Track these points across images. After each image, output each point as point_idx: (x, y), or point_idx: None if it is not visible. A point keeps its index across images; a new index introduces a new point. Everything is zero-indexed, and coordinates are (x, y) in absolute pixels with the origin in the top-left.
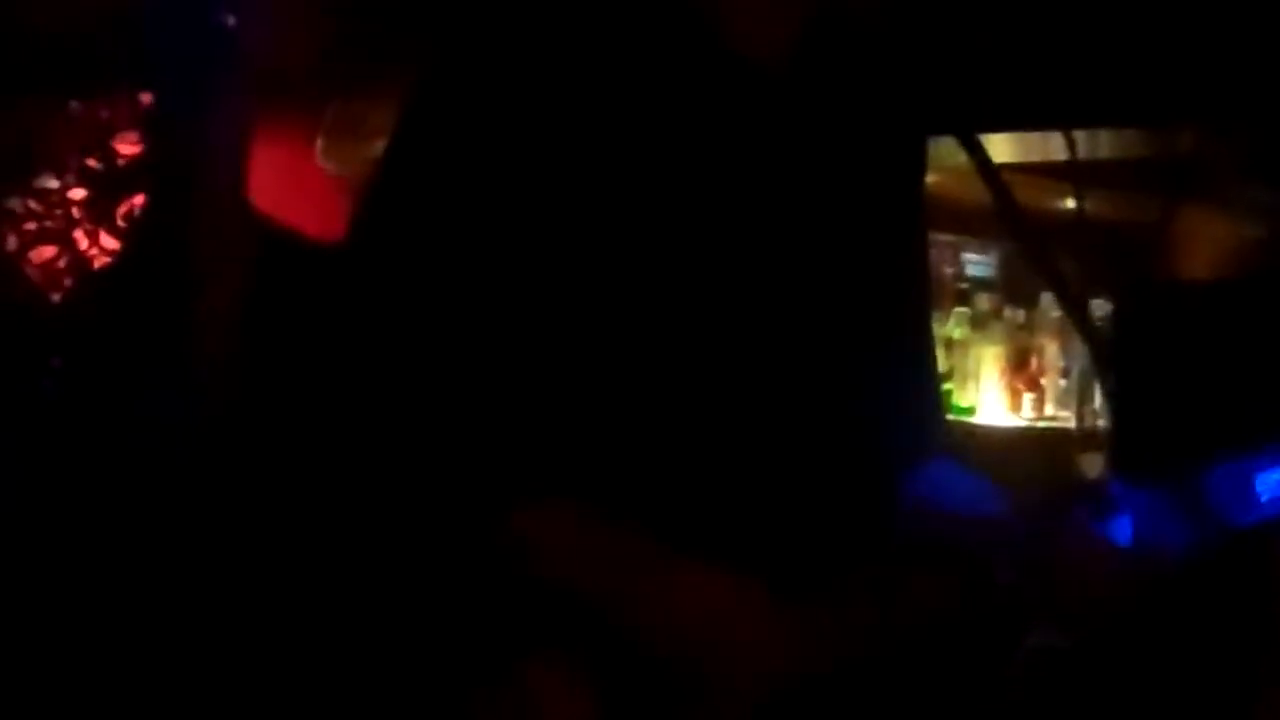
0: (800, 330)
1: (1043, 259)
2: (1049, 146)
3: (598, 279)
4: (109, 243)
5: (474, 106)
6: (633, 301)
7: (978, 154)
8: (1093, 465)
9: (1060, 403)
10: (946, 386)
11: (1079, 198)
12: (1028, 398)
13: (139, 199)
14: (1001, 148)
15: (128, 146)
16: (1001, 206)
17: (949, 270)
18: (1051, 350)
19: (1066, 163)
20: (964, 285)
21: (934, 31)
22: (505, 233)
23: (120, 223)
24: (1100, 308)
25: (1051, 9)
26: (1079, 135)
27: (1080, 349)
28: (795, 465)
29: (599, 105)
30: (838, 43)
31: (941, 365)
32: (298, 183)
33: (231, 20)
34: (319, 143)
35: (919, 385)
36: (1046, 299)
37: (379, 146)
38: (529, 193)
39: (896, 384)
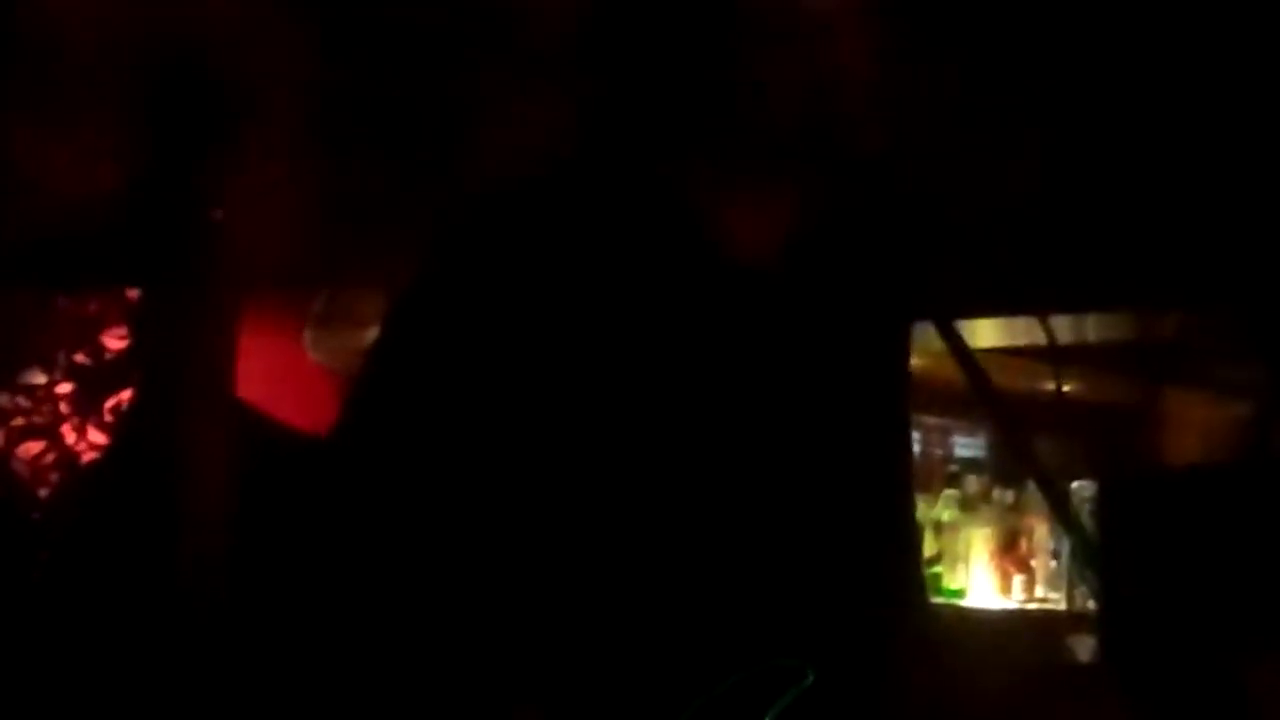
0: (782, 517)
1: (1022, 447)
2: (1036, 330)
3: (583, 476)
4: (96, 437)
5: (465, 306)
6: (619, 494)
7: (954, 340)
8: (1084, 647)
9: (1050, 584)
10: (936, 569)
11: (1059, 382)
12: (1018, 579)
13: (126, 393)
14: (990, 331)
15: (115, 341)
16: (979, 393)
17: (938, 453)
18: (1041, 531)
19: (1050, 347)
20: (953, 468)
21: (914, 221)
22: (493, 431)
23: (108, 417)
24: (1088, 488)
25: (1033, 197)
26: (1065, 319)
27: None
28: (778, 652)
29: (588, 306)
30: (824, 238)
31: (931, 548)
32: (286, 374)
33: (219, 214)
34: (306, 334)
35: (902, 568)
36: None
37: (366, 337)
38: (518, 392)
39: (879, 568)
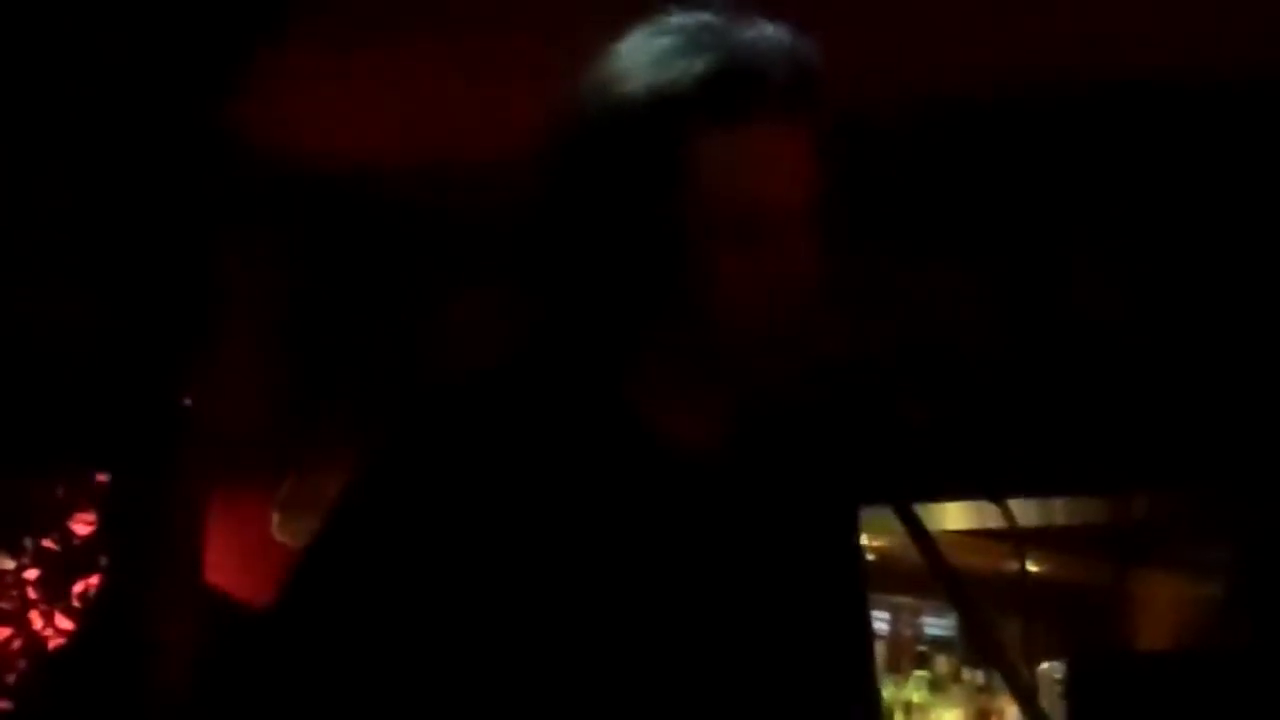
0: (740, 710)
1: (984, 632)
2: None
3: (524, 669)
4: (63, 623)
5: (411, 493)
6: (562, 692)
7: (912, 524)
8: None
9: None
10: None
11: (1022, 564)
12: None
13: (94, 578)
14: (960, 514)
15: (83, 526)
16: (940, 576)
17: (908, 633)
18: (1011, 713)
19: (1011, 530)
20: (923, 648)
21: (868, 408)
22: (428, 618)
23: (75, 603)
24: (1058, 669)
25: (992, 382)
26: (1033, 501)
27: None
28: None
29: (532, 501)
30: (768, 428)
31: None
32: (254, 557)
33: (188, 400)
34: (275, 517)
35: None
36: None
37: None
38: (457, 581)
39: None
